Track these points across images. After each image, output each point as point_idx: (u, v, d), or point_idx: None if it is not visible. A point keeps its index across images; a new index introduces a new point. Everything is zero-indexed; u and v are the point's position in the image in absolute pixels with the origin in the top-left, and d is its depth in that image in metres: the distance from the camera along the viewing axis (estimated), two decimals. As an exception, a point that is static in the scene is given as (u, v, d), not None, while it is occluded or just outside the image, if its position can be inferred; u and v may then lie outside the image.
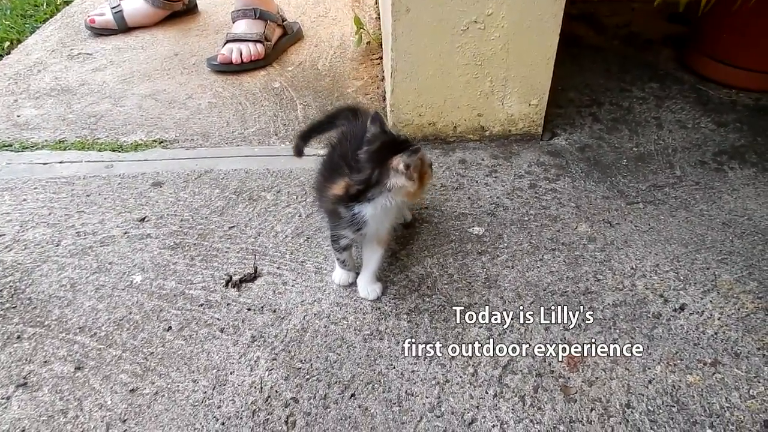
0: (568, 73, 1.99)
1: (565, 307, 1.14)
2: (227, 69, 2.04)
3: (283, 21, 2.24)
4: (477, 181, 1.49)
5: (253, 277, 1.19)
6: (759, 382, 1.02)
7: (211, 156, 1.60)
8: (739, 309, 1.16)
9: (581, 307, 1.15)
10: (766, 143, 1.68)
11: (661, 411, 0.96)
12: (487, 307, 1.14)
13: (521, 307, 1.14)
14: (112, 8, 2.31)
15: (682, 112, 1.81)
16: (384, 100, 1.80)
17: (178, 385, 0.98)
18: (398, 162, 0.96)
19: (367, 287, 1.17)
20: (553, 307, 1.14)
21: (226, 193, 1.43)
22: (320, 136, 1.25)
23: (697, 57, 1.97)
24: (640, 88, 1.93)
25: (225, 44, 2.08)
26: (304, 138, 1.20)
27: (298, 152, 1.20)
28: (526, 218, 1.38)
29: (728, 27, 1.79)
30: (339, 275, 1.20)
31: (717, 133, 1.72)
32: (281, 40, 2.21)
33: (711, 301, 1.17)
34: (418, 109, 1.59)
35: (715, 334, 1.10)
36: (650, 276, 1.23)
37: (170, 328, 1.08)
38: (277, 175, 1.51)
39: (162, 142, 1.67)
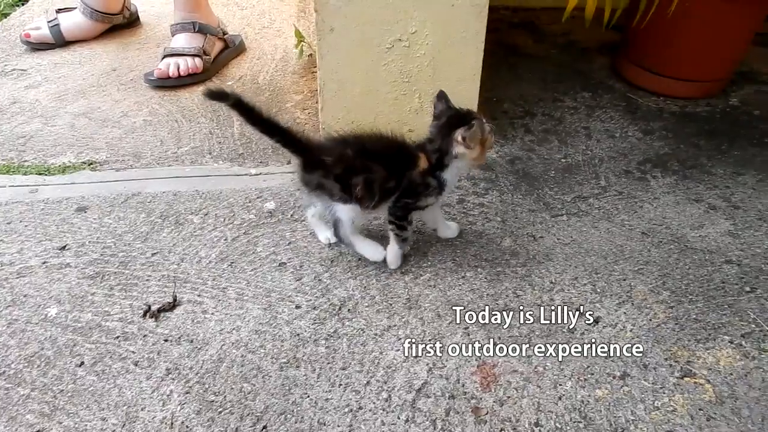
0: (505, 84, 2.02)
1: (483, 326, 1.16)
2: (165, 84, 2.02)
3: (224, 34, 2.22)
4: (406, 198, 1.50)
5: (173, 306, 1.18)
6: (664, 393, 1.05)
7: (140, 178, 1.58)
8: (650, 320, 1.19)
9: (499, 324, 1.16)
10: (689, 150, 1.72)
11: (568, 427, 0.99)
12: (406, 329, 1.15)
13: (440, 328, 1.16)
14: (49, 22, 2.26)
15: (611, 122, 1.85)
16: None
17: (86, 425, 0.97)
18: (458, 135, 1.17)
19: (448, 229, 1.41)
20: (470, 327, 1.16)
21: (152, 217, 1.42)
22: None
23: (628, 65, 2.02)
24: (573, 98, 1.97)
25: (163, 59, 2.06)
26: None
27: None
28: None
29: (654, 37, 1.84)
30: (399, 256, 1.32)
31: (643, 142, 1.76)
32: (222, 53, 2.19)
33: (625, 313, 1.20)
34: (348, 126, 1.59)
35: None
36: (568, 290, 1.25)
37: (83, 363, 1.07)
38: (206, 196, 1.50)
39: (92, 163, 1.64)
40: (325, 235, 1.36)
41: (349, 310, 1.19)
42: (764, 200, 1.52)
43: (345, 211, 1.21)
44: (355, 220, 1.23)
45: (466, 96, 1.58)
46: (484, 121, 1.18)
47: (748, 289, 1.26)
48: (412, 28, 1.43)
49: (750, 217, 1.47)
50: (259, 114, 1.14)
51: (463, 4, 1.40)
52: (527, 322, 1.17)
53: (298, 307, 1.20)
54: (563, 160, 1.67)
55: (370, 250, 1.29)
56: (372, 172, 1.16)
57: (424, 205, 1.25)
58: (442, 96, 1.24)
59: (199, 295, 1.22)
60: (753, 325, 1.18)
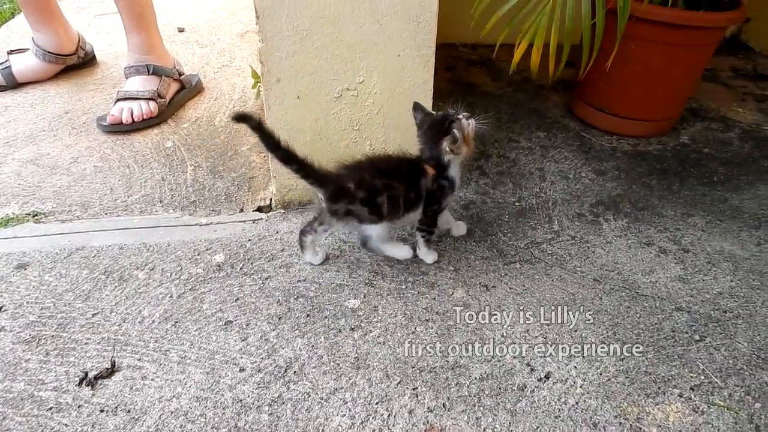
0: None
1: (432, 386, 1.13)
2: (118, 129, 1.97)
3: (180, 75, 2.19)
4: (358, 248, 1.48)
5: (111, 372, 1.14)
6: (613, 454, 1.03)
7: (86, 230, 1.53)
8: (601, 374, 1.18)
9: (448, 383, 1.14)
10: (640, 191, 1.74)
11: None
12: (353, 391, 1.12)
13: (388, 389, 1.13)
14: (0, 64, 2.21)
15: (565, 162, 1.86)
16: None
17: None
18: (445, 146, 1.30)
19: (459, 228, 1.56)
20: (419, 387, 1.13)
21: (96, 273, 1.37)
22: None
23: (581, 105, 2.05)
24: (528, 138, 1.98)
25: (116, 103, 2.02)
26: None
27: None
28: (404, 286, 1.37)
29: (604, 78, 1.87)
30: (432, 253, 1.48)
31: (596, 183, 1.77)
32: (178, 94, 2.17)
33: (575, 367, 1.19)
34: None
35: (576, 403, 1.12)
36: (519, 343, 1.24)
37: (10, 441, 1.01)
38: (153, 249, 1.46)
39: (36, 215, 1.59)
40: (317, 258, 1.45)
41: (295, 372, 1.16)
42: (713, 242, 1.53)
43: (374, 229, 1.34)
44: (383, 233, 1.36)
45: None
46: (460, 118, 1.30)
47: (697, 337, 1.26)
48: (359, 78, 1.42)
49: (699, 260, 1.47)
50: (278, 141, 1.22)
51: (410, 55, 1.40)
52: (477, 379, 1.15)
53: (242, 370, 1.16)
54: (517, 204, 1.67)
55: (398, 251, 1.44)
56: (393, 189, 1.28)
57: (446, 205, 1.40)
58: (417, 107, 1.36)
59: (139, 359, 1.18)
60: (702, 377, 1.18)
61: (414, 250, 1.45)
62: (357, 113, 1.48)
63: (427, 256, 1.46)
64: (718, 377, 1.18)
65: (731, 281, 1.41)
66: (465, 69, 2.49)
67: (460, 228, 1.56)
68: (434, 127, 1.32)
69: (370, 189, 1.26)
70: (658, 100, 1.92)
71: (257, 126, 1.20)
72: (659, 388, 1.15)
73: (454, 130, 1.28)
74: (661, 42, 1.74)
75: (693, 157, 1.94)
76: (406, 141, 1.53)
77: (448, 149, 1.29)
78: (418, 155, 1.36)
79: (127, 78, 2.10)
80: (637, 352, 1.23)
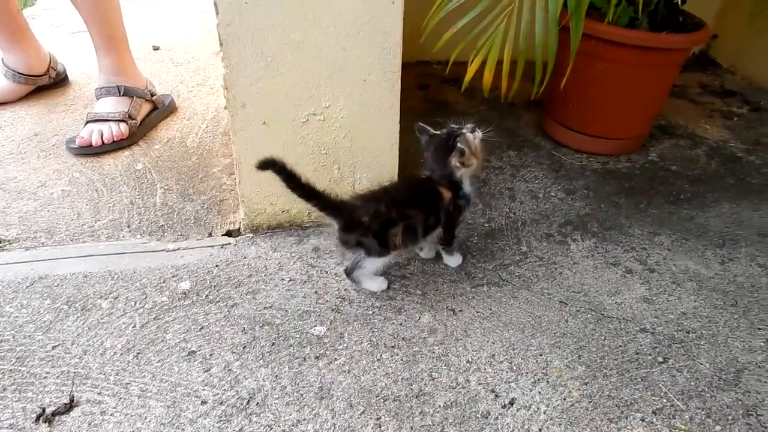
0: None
1: (396, 415, 1.13)
2: (87, 152, 1.95)
3: (152, 95, 2.18)
4: (327, 272, 1.48)
5: (69, 407, 1.12)
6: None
7: (50, 258, 1.51)
8: (565, 399, 1.18)
9: (412, 412, 1.14)
10: (608, 210, 1.75)
11: None
12: (316, 423, 1.11)
13: (351, 419, 1.12)
14: (-31, 85, 2.18)
15: (535, 181, 1.87)
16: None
17: None
18: (454, 162, 1.32)
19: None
20: (382, 417, 1.13)
21: (58, 303, 1.36)
22: None
23: (551, 123, 2.07)
24: (498, 157, 1.99)
25: (85, 125, 2.00)
26: None
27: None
28: (371, 311, 1.37)
29: (573, 97, 1.89)
30: (457, 258, 1.53)
31: (565, 202, 1.79)
32: (150, 115, 2.15)
33: (540, 392, 1.19)
34: (268, 198, 1.57)
35: (540, 430, 1.12)
36: (485, 369, 1.24)
37: (-39, 483, 0.99)
38: (118, 277, 1.44)
39: (0, 242, 1.56)
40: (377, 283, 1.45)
41: (257, 403, 1.15)
42: (678, 262, 1.55)
43: (377, 263, 1.36)
44: (383, 267, 1.39)
45: (386, 165, 1.58)
46: (464, 131, 1.33)
47: (660, 359, 1.27)
48: (325, 103, 1.43)
49: (665, 280, 1.49)
50: (299, 179, 1.23)
51: (375, 80, 1.40)
52: (441, 407, 1.14)
53: (204, 402, 1.14)
54: (486, 225, 1.67)
55: (374, 284, 1.44)
56: (410, 218, 1.31)
57: (462, 221, 1.44)
58: (421, 129, 1.38)
59: (99, 393, 1.16)
60: (664, 400, 1.18)
61: (388, 282, 1.46)
62: (324, 137, 1.48)
63: (452, 260, 1.53)
64: (680, 400, 1.18)
65: (695, 301, 1.43)
66: (438, 87, 2.50)
67: (430, 252, 1.56)
68: (441, 146, 1.34)
69: (385, 221, 1.29)
70: (626, 119, 1.94)
71: (280, 169, 1.21)
72: (622, 412, 1.16)
73: (459, 144, 1.30)
74: (627, 63, 1.76)
75: (661, 174, 1.96)
76: (374, 164, 1.53)
77: (458, 164, 1.32)
78: (426, 177, 1.38)
79: (97, 99, 2.09)
80: (601, 375, 1.22)
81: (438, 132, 1.36)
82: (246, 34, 1.28)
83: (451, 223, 1.39)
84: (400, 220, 1.30)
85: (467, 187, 1.38)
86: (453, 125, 1.36)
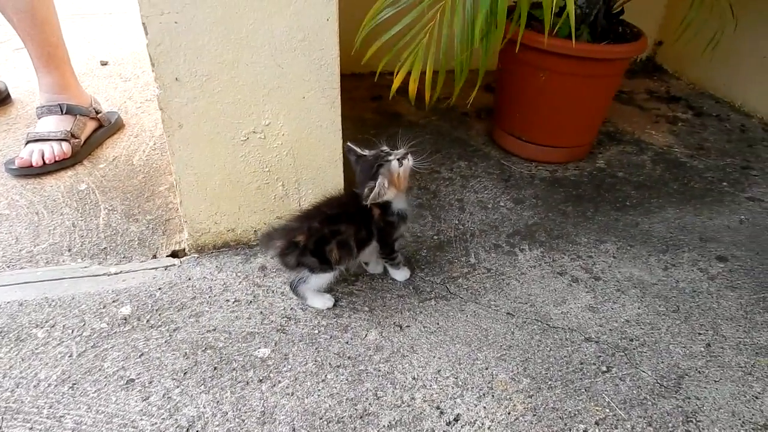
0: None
1: (338, 437, 1.11)
2: (28, 173, 1.89)
3: (97, 113, 2.12)
4: (273, 291, 1.46)
5: (-3, 446, 1.06)
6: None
7: (-17, 287, 1.45)
8: (509, 413, 1.18)
9: (355, 433, 1.12)
10: (556, 218, 1.77)
11: None
12: (256, 449, 1.08)
13: (293, 444, 1.09)
14: None
15: (484, 192, 1.88)
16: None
17: None
18: (366, 193, 1.27)
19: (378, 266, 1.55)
20: (325, 440, 1.10)
21: (-10, 335, 1.30)
22: None
23: (500, 133, 2.08)
24: (449, 168, 1.99)
25: (25, 145, 1.94)
26: None
27: None
28: (317, 330, 1.35)
29: (519, 107, 1.91)
30: (404, 272, 1.53)
31: (514, 212, 1.80)
32: (95, 133, 2.10)
33: (485, 407, 1.19)
34: (212, 217, 1.54)
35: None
36: (430, 385, 1.23)
37: None
38: (55, 304, 1.39)
39: (-69, 271, 1.50)
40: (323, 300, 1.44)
41: (197, 431, 1.11)
42: (623, 269, 1.57)
43: (322, 279, 1.36)
44: (327, 283, 1.39)
45: (331, 181, 1.57)
46: (390, 159, 1.29)
47: (604, 368, 1.28)
48: (265, 121, 1.41)
49: (609, 288, 1.50)
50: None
51: (314, 96, 1.39)
52: (385, 427, 1.14)
53: (141, 433, 1.10)
54: (435, 237, 1.67)
55: (320, 301, 1.43)
56: (341, 233, 1.29)
57: (399, 236, 1.42)
58: (350, 149, 1.36)
59: (30, 429, 1.12)
60: (607, 410, 1.19)
61: (335, 299, 1.46)
62: (266, 155, 1.47)
63: (398, 274, 1.52)
64: (622, 409, 1.19)
65: (638, 308, 1.45)
66: (391, 98, 2.49)
67: (377, 267, 1.55)
68: (365, 170, 1.31)
69: (319, 239, 1.28)
70: (571, 128, 1.97)
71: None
72: (565, 424, 1.16)
73: (380, 177, 1.27)
74: (569, 73, 1.78)
75: (608, 181, 1.99)
76: (318, 180, 1.52)
77: (371, 199, 1.27)
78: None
79: (39, 118, 2.03)
80: (545, 386, 1.23)
81: (365, 153, 1.33)
82: (178, 54, 1.25)
83: (385, 237, 1.38)
84: (332, 236, 1.29)
85: (398, 205, 1.36)
86: (383, 148, 1.31)
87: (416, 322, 1.39)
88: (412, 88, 1.43)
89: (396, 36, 1.46)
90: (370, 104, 2.43)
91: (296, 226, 1.31)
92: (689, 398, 1.23)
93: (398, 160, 1.30)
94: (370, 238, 1.36)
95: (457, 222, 1.75)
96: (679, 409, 1.20)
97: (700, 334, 1.39)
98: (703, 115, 2.50)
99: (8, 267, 1.55)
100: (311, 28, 1.30)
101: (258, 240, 1.46)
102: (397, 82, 1.44)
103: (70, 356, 1.27)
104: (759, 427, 1.17)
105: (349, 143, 1.36)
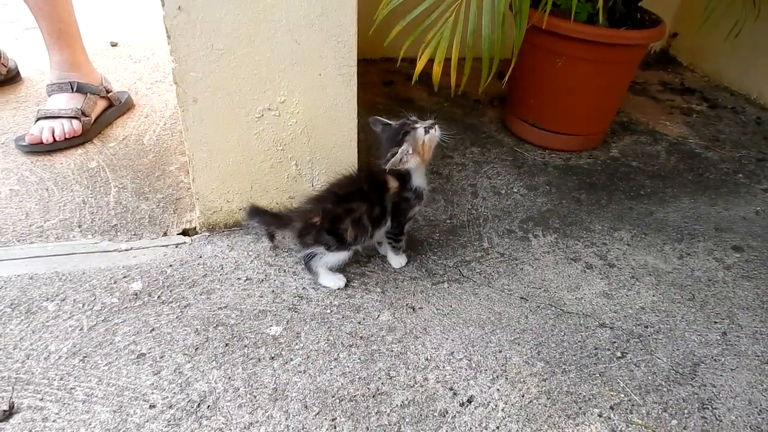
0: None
1: (351, 416, 1.10)
2: (38, 150, 1.88)
3: (108, 92, 2.11)
4: (285, 270, 1.44)
5: (9, 414, 1.06)
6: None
7: (-6, 259, 1.44)
8: (523, 396, 1.17)
9: (368, 412, 1.11)
10: (570, 205, 1.75)
11: None
12: (269, 425, 1.07)
13: (305, 421, 1.09)
14: None
15: (497, 178, 1.86)
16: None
17: None
18: (389, 156, 1.27)
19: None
20: (338, 418, 1.10)
21: (1, 306, 1.30)
22: None
23: (514, 120, 2.06)
24: (462, 154, 1.97)
25: (36, 122, 1.93)
26: None
27: None
28: (329, 310, 1.34)
29: (534, 94, 1.89)
30: (402, 259, 1.50)
31: (527, 198, 1.78)
32: (105, 112, 2.09)
33: (498, 389, 1.18)
34: (224, 195, 1.52)
35: (497, 428, 1.10)
36: (443, 366, 1.22)
37: None
38: (66, 278, 1.38)
39: (-58, 244, 1.49)
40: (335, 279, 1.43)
41: (208, 406, 1.11)
42: (637, 257, 1.55)
43: (338, 257, 1.37)
44: (342, 261, 1.39)
45: (345, 161, 1.55)
46: (417, 127, 1.29)
47: (619, 354, 1.27)
48: (280, 98, 1.39)
49: (624, 275, 1.49)
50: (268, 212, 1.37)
51: (330, 74, 1.38)
52: (398, 407, 1.12)
53: (152, 406, 1.10)
54: (448, 222, 1.66)
55: (332, 280, 1.42)
56: (355, 211, 1.29)
57: (413, 215, 1.40)
58: (375, 121, 1.36)
59: (41, 399, 1.11)
60: (622, 395, 1.18)
61: (346, 280, 1.44)
62: (280, 133, 1.45)
63: (394, 260, 1.49)
64: (637, 395, 1.18)
65: (653, 296, 1.43)
66: (403, 84, 2.48)
67: (388, 248, 1.52)
68: (391, 138, 1.31)
69: (333, 218, 1.29)
70: (585, 115, 1.95)
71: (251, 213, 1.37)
72: (580, 408, 1.15)
73: (406, 140, 1.28)
74: (586, 59, 1.76)
75: (622, 170, 1.97)
76: (332, 160, 1.50)
77: (390, 164, 1.28)
78: (382, 167, 1.33)
79: (49, 96, 2.01)
80: (560, 371, 1.22)
81: (391, 123, 1.34)
82: (194, 27, 1.24)
83: (398, 214, 1.37)
84: (346, 214, 1.30)
85: (417, 181, 1.35)
86: (411, 118, 1.32)
87: (429, 304, 1.38)
88: (437, 72, 1.39)
89: (415, 21, 1.42)
90: (382, 89, 2.41)
91: (311, 207, 1.33)
92: (705, 385, 1.21)
93: (425, 128, 1.30)
94: (385, 215, 1.36)
95: (470, 207, 1.73)
96: (695, 395, 1.19)
97: (716, 322, 1.37)
98: (718, 107, 2.47)
99: (18, 241, 1.54)
100: (330, 3, 1.28)
101: (246, 211, 1.45)
102: (420, 66, 1.41)
103: (80, 330, 1.26)
104: (777, 415, 1.15)
105: (373, 116, 1.36)
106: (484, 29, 1.34)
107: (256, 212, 1.36)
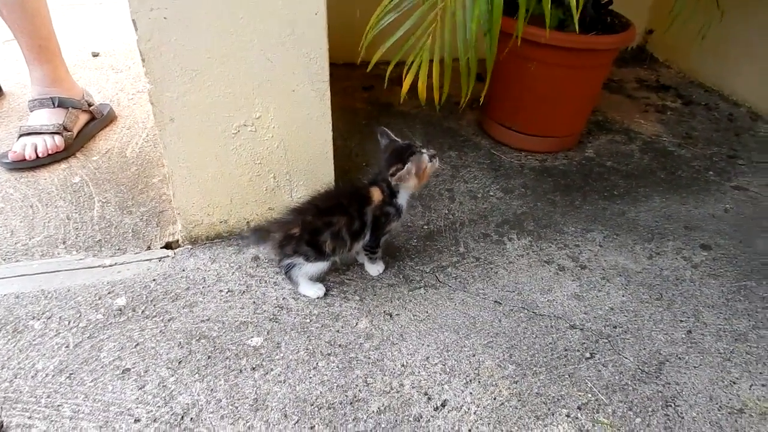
0: (375, 146, 2.04)
1: (329, 423, 1.14)
2: (21, 166, 1.91)
3: (89, 105, 2.13)
4: (266, 281, 1.49)
5: (-3, 434, 1.10)
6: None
7: (-20, 279, 1.47)
8: (495, 398, 1.21)
9: (346, 419, 1.16)
10: (544, 208, 1.80)
11: None
12: (249, 435, 1.12)
13: (285, 430, 1.14)
14: None
15: (474, 181, 1.91)
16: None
17: None
18: (393, 171, 1.33)
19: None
20: (316, 425, 1.14)
21: (-12, 326, 1.32)
22: None
23: (490, 123, 2.11)
24: (439, 158, 2.01)
25: (18, 138, 1.95)
26: None
27: None
28: (308, 320, 1.38)
29: (508, 97, 1.93)
30: (378, 267, 1.55)
31: (503, 201, 1.83)
32: (88, 126, 2.11)
33: (471, 393, 1.22)
34: (205, 209, 1.56)
35: (470, 431, 1.14)
36: (419, 372, 1.26)
37: None
38: (52, 296, 1.42)
39: (-72, 264, 1.52)
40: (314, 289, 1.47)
41: (191, 419, 1.15)
42: (609, 257, 1.60)
43: (317, 267, 1.41)
44: (322, 272, 1.44)
45: (322, 172, 1.59)
46: (423, 152, 1.36)
47: (588, 355, 1.32)
48: (255, 114, 1.43)
49: (595, 276, 1.54)
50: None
51: (304, 89, 1.42)
52: (374, 413, 1.17)
53: (137, 420, 1.14)
54: (425, 227, 1.70)
55: (311, 290, 1.47)
56: (334, 225, 1.33)
57: (389, 230, 1.43)
58: (383, 132, 1.42)
59: (29, 417, 1.15)
60: (589, 395, 1.23)
61: (326, 288, 1.49)
62: (257, 147, 1.49)
63: (372, 268, 1.54)
64: (604, 394, 1.23)
65: (623, 296, 1.48)
66: (383, 88, 2.50)
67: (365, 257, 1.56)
68: (394, 154, 1.37)
69: (312, 230, 1.33)
70: (560, 117, 1.99)
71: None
72: (549, 409, 1.20)
73: (409, 162, 1.33)
74: (557, 64, 1.80)
75: (596, 170, 2.02)
76: (309, 171, 1.54)
77: (394, 179, 1.34)
78: (370, 178, 1.43)
79: (31, 112, 2.03)
80: (530, 372, 1.27)
81: (398, 140, 1.41)
82: (168, 50, 1.27)
83: (377, 228, 1.41)
84: (326, 227, 1.34)
85: (401, 200, 1.41)
86: (417, 143, 1.41)
87: (406, 310, 1.43)
88: (422, 90, 1.46)
89: (398, 35, 1.48)
90: (362, 94, 2.45)
91: (291, 219, 1.36)
92: (669, 383, 1.27)
93: (429, 156, 1.37)
94: (364, 229, 1.41)
95: (446, 212, 1.78)
96: (659, 393, 1.24)
97: (681, 321, 1.42)
98: (692, 104, 2.53)
99: (4, 260, 1.57)
100: (299, 22, 1.32)
101: (248, 234, 1.49)
102: (406, 86, 1.48)
103: (66, 347, 1.30)
104: (735, 411, 1.21)
105: (382, 127, 1.43)
106: (460, 51, 1.40)
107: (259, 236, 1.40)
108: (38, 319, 1.36)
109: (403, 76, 1.47)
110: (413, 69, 1.45)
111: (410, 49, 1.46)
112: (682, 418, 1.19)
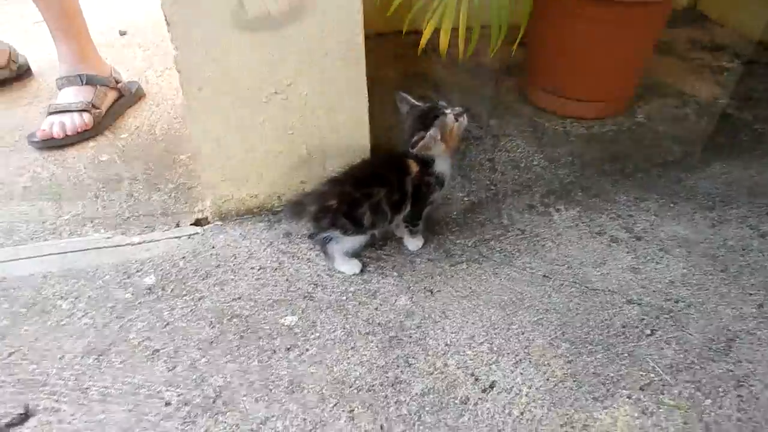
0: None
1: (370, 406, 1.06)
2: (50, 145, 1.87)
3: (117, 83, 2.09)
4: (299, 257, 1.41)
5: (24, 418, 1.05)
6: (559, 468, 0.97)
7: (7, 259, 1.44)
8: (548, 379, 1.12)
9: (387, 402, 1.08)
10: (592, 177, 1.68)
11: None
12: (285, 419, 1.05)
13: (322, 414, 1.06)
14: (-76, 81, 2.08)
15: (516, 150, 1.79)
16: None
17: None
18: (417, 140, 1.23)
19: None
20: (355, 409, 1.07)
21: (15, 307, 1.29)
22: None
23: (533, 89, 1.98)
24: (478, 127, 1.90)
25: (47, 116, 1.91)
26: None
27: None
28: (345, 297, 1.31)
29: (554, 60, 1.81)
30: (419, 242, 1.45)
31: (548, 171, 1.71)
32: (116, 103, 2.07)
33: (521, 373, 1.13)
34: (234, 184, 1.49)
35: (521, 414, 1.06)
36: (464, 351, 1.18)
37: None
38: (79, 275, 1.37)
39: (-43, 245, 1.49)
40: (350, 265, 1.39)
41: (224, 402, 1.09)
42: (665, 228, 1.48)
43: (355, 241, 1.32)
44: (359, 246, 1.35)
45: (357, 142, 1.50)
46: (447, 113, 1.25)
47: (648, 332, 1.21)
48: (287, 81, 1.34)
49: (651, 248, 1.42)
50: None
51: (337, 53, 1.32)
52: (418, 395, 1.08)
53: (167, 404, 1.08)
54: (466, 199, 1.60)
55: (347, 266, 1.38)
56: (373, 196, 1.24)
57: (432, 201, 1.34)
58: (402, 97, 1.31)
59: (56, 401, 1.10)
60: (652, 375, 1.12)
61: (362, 264, 1.41)
62: (289, 117, 1.41)
63: (411, 243, 1.44)
64: (668, 374, 1.13)
65: (684, 268, 1.36)
66: (415, 57, 2.39)
67: (404, 230, 1.48)
68: (417, 121, 1.26)
69: (351, 202, 1.25)
70: (609, 80, 1.86)
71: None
72: (608, 390, 1.10)
73: (435, 125, 1.23)
74: (607, 21, 1.67)
75: (648, 137, 1.88)
76: (344, 141, 1.45)
77: (419, 148, 1.24)
78: (402, 151, 1.31)
79: (59, 90, 2.00)
80: (585, 351, 1.16)
81: (419, 104, 1.30)
82: (194, 12, 1.18)
83: (419, 199, 1.32)
84: (364, 198, 1.25)
85: (440, 167, 1.31)
86: (440, 102, 1.29)
87: (447, 286, 1.33)
88: (443, 41, 1.34)
89: None
90: (395, 64, 2.33)
91: (327, 189, 1.28)
92: (740, 361, 1.15)
93: (455, 115, 1.25)
94: (405, 200, 1.31)
95: (488, 182, 1.67)
96: (730, 372, 1.13)
97: (751, 294, 1.30)
98: (752, 63, 2.34)
99: (32, 239, 1.53)
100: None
101: (284, 209, 1.40)
102: (426, 35, 1.35)
103: (94, 328, 1.25)
104: (820, 392, 1.08)
105: (400, 92, 1.31)
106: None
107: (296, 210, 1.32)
108: (66, 299, 1.31)
109: (423, 26, 1.34)
110: (436, 16, 1.32)
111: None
112: (757, 399, 1.07)
